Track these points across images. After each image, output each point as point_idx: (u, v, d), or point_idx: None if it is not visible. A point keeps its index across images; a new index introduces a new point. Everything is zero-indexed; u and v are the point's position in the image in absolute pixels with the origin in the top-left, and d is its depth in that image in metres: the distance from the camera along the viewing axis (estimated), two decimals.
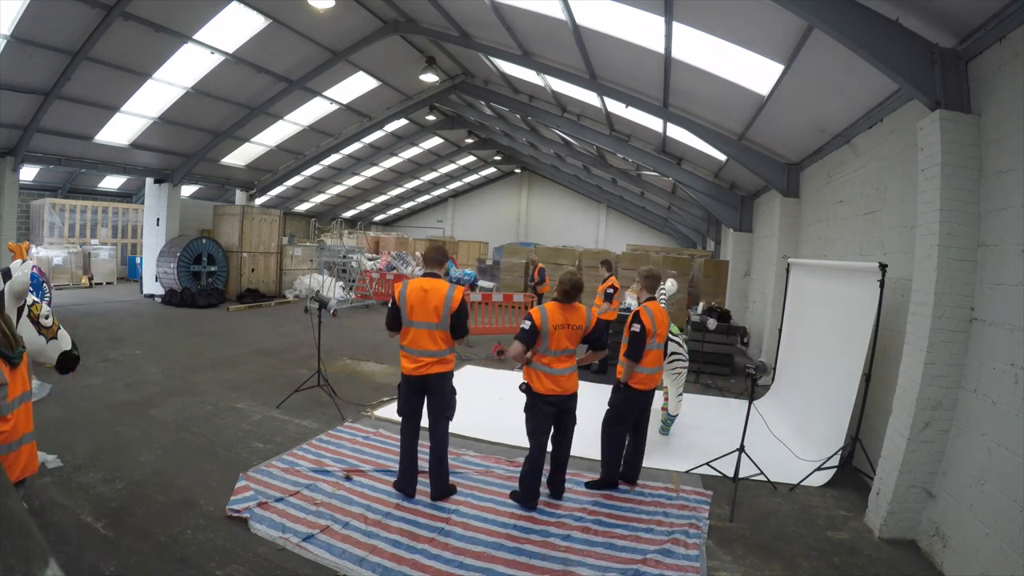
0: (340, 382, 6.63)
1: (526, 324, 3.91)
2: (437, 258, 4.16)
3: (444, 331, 3.96)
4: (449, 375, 4.06)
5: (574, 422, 4.12)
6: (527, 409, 4.05)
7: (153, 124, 11.82)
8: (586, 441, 5.29)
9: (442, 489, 4.10)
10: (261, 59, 10.70)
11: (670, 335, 5.33)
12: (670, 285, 6.05)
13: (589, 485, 4.43)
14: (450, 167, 24.95)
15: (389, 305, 4.14)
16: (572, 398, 4.04)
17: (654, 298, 4.68)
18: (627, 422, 4.47)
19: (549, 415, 3.98)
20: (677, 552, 3.50)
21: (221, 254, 14.03)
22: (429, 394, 4.03)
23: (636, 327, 4.34)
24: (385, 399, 6.42)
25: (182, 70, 10.36)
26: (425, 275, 4.10)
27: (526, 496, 4.03)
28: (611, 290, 7.97)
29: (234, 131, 13.01)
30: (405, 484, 4.11)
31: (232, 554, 3.24)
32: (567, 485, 4.37)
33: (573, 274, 4.05)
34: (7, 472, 2.42)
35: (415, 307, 3.94)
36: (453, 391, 4.10)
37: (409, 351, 3.97)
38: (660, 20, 6.07)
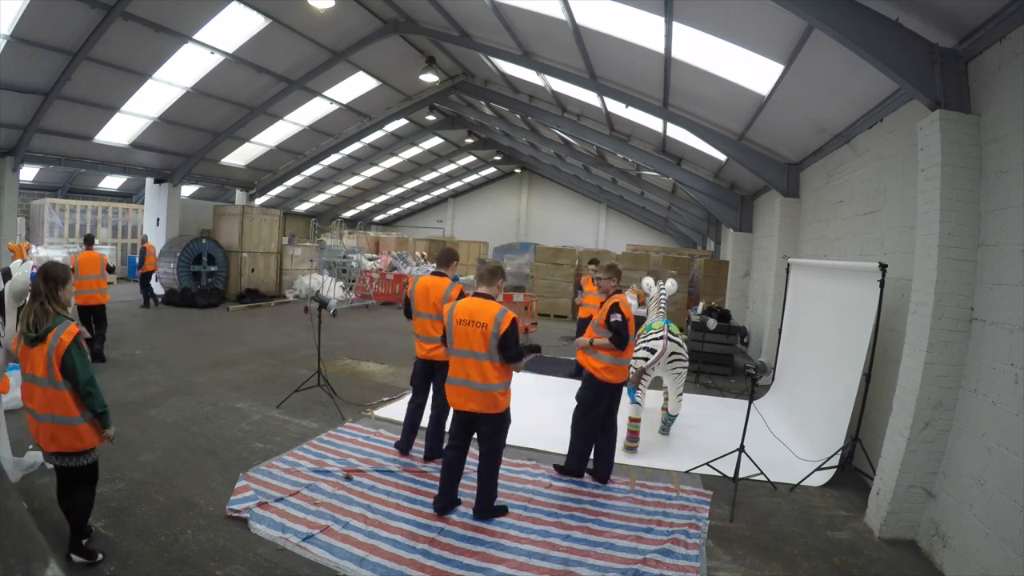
0: (340, 382, 6.62)
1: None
2: (444, 258, 4.77)
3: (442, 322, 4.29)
4: None
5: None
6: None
7: (153, 124, 11.82)
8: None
9: (432, 451, 4.70)
10: (261, 59, 10.70)
11: (670, 335, 5.32)
12: (670, 285, 6.04)
13: (557, 468, 4.60)
14: (450, 167, 24.95)
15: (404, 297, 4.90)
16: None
17: (620, 290, 4.64)
18: (600, 414, 4.47)
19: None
20: (677, 552, 3.50)
21: (221, 254, 14.02)
22: (435, 372, 4.67)
23: (617, 316, 4.30)
24: (385, 399, 6.42)
25: (182, 70, 10.36)
26: (433, 273, 4.73)
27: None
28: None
29: (234, 131, 13.01)
30: (403, 444, 4.84)
31: (232, 554, 3.24)
32: (565, 484, 4.41)
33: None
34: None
35: (419, 301, 4.60)
36: None
37: (418, 337, 4.69)
38: (660, 20, 6.07)
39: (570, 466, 4.57)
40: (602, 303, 4.56)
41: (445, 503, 3.83)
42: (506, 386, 3.68)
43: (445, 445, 4.04)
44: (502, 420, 3.73)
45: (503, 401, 3.67)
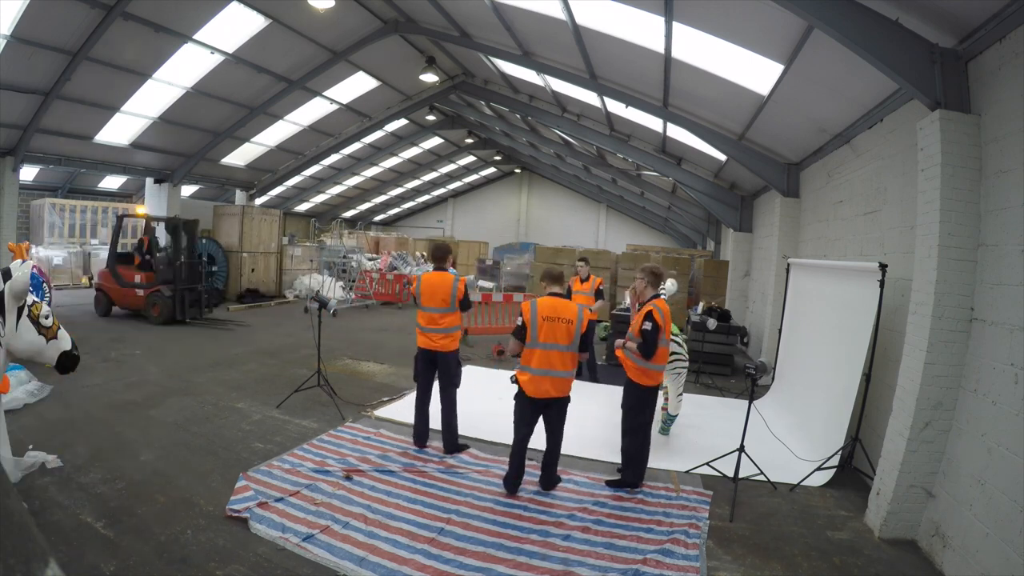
0: (340, 382, 6.62)
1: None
2: (440, 255, 5.03)
3: (450, 314, 4.84)
4: (455, 352, 4.94)
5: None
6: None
7: (153, 124, 11.82)
8: (586, 442, 5.30)
9: (450, 446, 4.87)
10: (261, 59, 10.70)
11: (672, 336, 5.33)
12: (670, 285, 6.05)
13: (610, 484, 4.47)
14: (450, 167, 24.94)
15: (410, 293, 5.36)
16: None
17: (659, 295, 4.61)
18: (647, 419, 4.51)
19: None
20: (677, 552, 3.50)
21: (221, 254, 14.03)
22: (439, 366, 4.90)
23: (648, 324, 4.29)
24: (385, 399, 6.42)
25: (182, 70, 10.36)
26: (434, 270, 4.98)
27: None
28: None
29: (234, 131, 13.01)
30: (418, 438, 4.99)
31: (232, 554, 3.24)
32: (564, 484, 4.42)
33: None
34: None
35: (426, 296, 4.85)
36: (458, 364, 5.00)
37: (423, 328, 4.89)
38: (660, 20, 6.07)
39: (627, 479, 4.46)
40: (639, 308, 4.61)
41: (516, 481, 4.27)
42: (575, 373, 4.30)
43: (516, 433, 4.26)
44: (568, 402, 4.31)
45: (572, 385, 4.28)
